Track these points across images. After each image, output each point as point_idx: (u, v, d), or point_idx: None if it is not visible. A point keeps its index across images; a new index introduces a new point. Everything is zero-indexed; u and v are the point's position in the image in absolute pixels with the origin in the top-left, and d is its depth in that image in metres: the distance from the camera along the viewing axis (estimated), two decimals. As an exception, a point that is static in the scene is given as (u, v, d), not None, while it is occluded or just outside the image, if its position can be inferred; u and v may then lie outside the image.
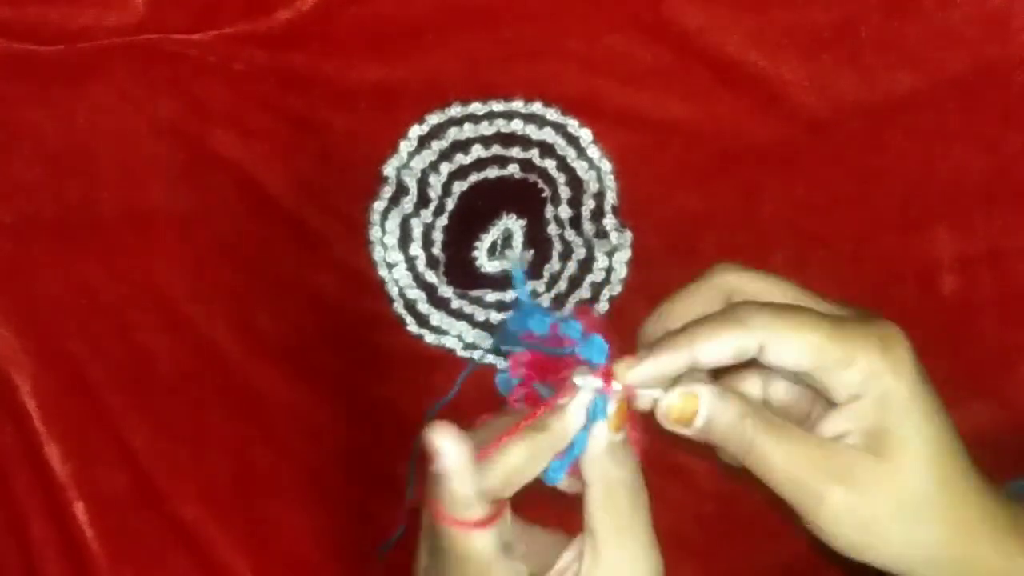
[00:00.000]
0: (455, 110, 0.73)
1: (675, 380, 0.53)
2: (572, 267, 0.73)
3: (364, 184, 0.73)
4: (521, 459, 0.52)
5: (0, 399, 0.72)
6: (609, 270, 0.73)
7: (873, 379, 0.51)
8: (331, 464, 0.73)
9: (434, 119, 0.73)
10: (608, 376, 0.52)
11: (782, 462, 0.51)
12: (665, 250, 0.73)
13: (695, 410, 0.52)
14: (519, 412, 0.53)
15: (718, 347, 0.51)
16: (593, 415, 0.52)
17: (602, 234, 0.73)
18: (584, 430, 0.52)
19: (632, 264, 0.73)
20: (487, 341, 0.72)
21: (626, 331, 0.55)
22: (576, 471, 0.53)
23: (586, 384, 0.52)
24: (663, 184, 0.73)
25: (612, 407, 0.52)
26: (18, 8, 0.72)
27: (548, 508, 0.54)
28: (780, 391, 0.56)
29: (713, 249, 0.72)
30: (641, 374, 0.52)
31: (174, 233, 0.73)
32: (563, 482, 0.54)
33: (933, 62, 0.72)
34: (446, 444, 0.50)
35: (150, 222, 0.73)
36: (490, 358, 0.72)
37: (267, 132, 0.73)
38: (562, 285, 0.72)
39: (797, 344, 0.51)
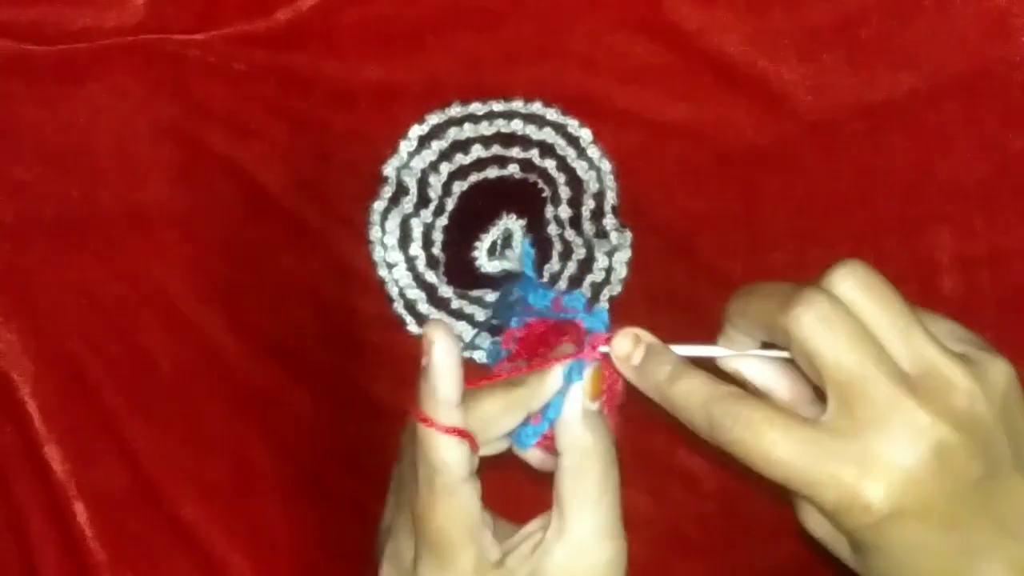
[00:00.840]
0: (455, 110, 0.73)
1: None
2: (572, 267, 0.73)
3: (364, 184, 0.73)
4: (497, 407, 0.53)
5: (0, 399, 0.72)
6: (609, 270, 0.73)
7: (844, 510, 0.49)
8: (331, 464, 0.73)
9: (434, 119, 0.73)
10: (594, 345, 0.53)
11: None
12: (665, 250, 0.73)
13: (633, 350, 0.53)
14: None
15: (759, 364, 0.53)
16: (568, 377, 0.53)
17: (602, 234, 0.73)
18: (560, 395, 0.53)
19: (632, 264, 0.73)
20: (487, 341, 0.72)
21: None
22: (550, 444, 0.53)
23: (564, 348, 0.53)
24: (663, 184, 0.73)
25: (588, 373, 0.53)
26: (18, 8, 0.72)
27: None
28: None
29: (713, 249, 0.72)
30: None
31: (174, 233, 0.73)
32: (535, 456, 0.55)
33: (933, 62, 0.72)
34: (439, 337, 0.51)
35: (150, 222, 0.73)
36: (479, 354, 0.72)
37: (267, 132, 0.73)
38: (562, 285, 0.72)
39: (769, 455, 0.50)
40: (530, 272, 0.57)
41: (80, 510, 0.72)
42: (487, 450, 0.54)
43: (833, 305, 0.49)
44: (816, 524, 0.52)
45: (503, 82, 0.73)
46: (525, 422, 0.54)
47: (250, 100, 0.73)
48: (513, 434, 0.54)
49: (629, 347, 0.53)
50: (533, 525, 0.54)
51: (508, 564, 0.53)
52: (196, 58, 0.73)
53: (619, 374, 0.54)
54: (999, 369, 0.51)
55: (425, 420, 0.51)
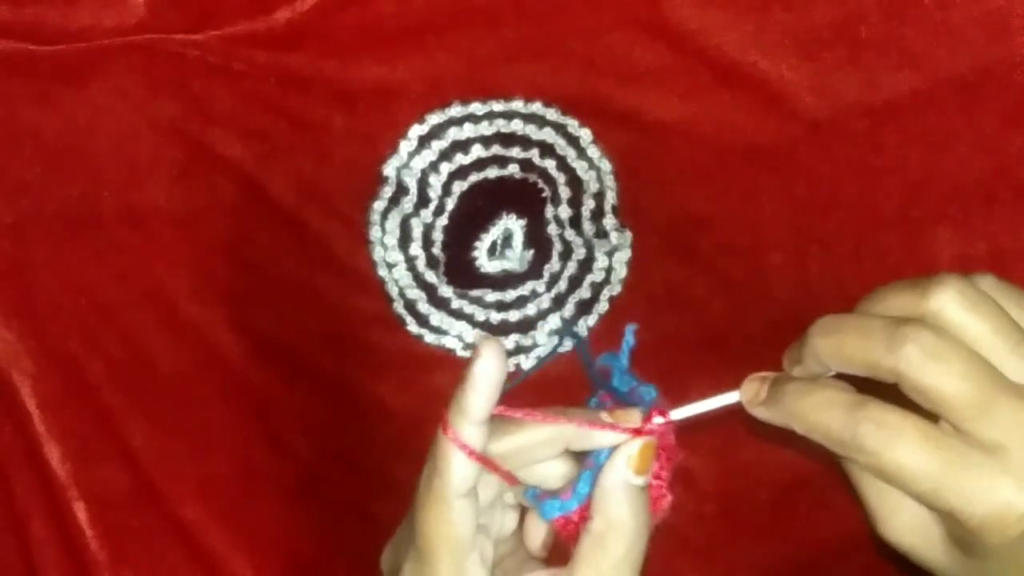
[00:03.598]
0: (455, 110, 0.73)
1: None
2: (572, 267, 0.73)
3: (364, 184, 0.73)
4: (538, 437, 0.52)
5: (0, 399, 0.72)
6: (609, 270, 0.73)
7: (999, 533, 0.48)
8: (331, 464, 0.73)
9: (434, 119, 0.73)
10: (648, 420, 0.52)
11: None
12: (665, 250, 0.73)
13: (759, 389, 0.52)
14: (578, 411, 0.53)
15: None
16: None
17: (602, 234, 0.73)
18: (591, 471, 0.51)
19: (632, 264, 0.73)
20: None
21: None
22: (572, 530, 0.52)
23: (629, 414, 0.52)
24: (663, 184, 0.73)
25: (636, 447, 0.51)
26: (18, 8, 0.72)
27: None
28: None
29: (713, 249, 0.72)
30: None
31: (174, 233, 0.73)
32: (538, 537, 0.54)
33: (933, 62, 0.72)
34: (486, 352, 0.50)
35: (150, 222, 0.73)
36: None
37: (267, 132, 0.73)
38: (562, 285, 0.72)
39: (913, 465, 0.48)
40: (625, 360, 0.55)
41: (80, 510, 0.72)
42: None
43: (939, 337, 0.48)
44: (906, 529, 0.51)
45: (503, 82, 0.73)
46: (553, 495, 0.52)
47: (250, 100, 0.73)
48: (537, 501, 0.53)
49: (756, 387, 0.52)
50: (538, 574, 0.53)
51: None
52: (196, 58, 0.73)
53: (669, 460, 0.53)
54: None
55: (446, 426, 0.51)
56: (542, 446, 0.52)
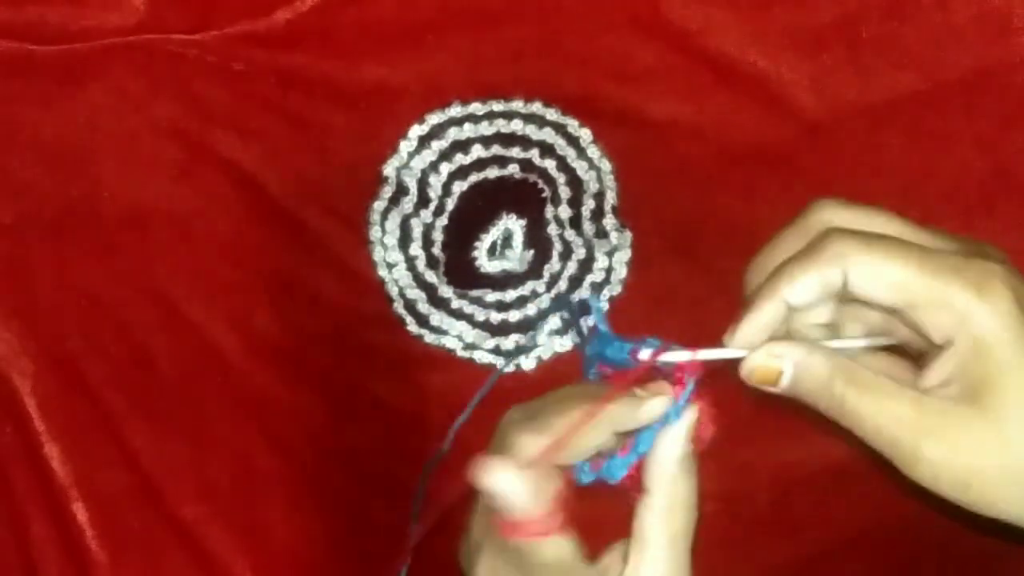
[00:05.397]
0: (455, 110, 0.73)
1: None
2: (572, 267, 0.73)
3: (364, 184, 0.73)
4: (585, 432, 0.51)
5: (0, 399, 0.72)
6: (609, 270, 0.73)
7: (967, 322, 0.48)
8: (331, 464, 0.73)
9: (434, 119, 0.73)
10: (682, 379, 0.52)
11: (874, 420, 0.49)
12: (665, 250, 0.73)
13: (780, 370, 0.51)
14: (593, 387, 0.53)
15: (804, 286, 0.50)
16: (666, 418, 0.51)
17: (602, 234, 0.73)
18: (652, 430, 0.52)
19: (632, 264, 0.73)
20: (487, 341, 0.72)
21: (626, 331, 0.55)
22: (635, 478, 0.52)
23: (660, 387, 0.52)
24: (663, 184, 0.73)
25: (691, 415, 0.52)
26: (18, 8, 0.72)
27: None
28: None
29: (713, 249, 0.72)
30: (743, 337, 0.51)
31: (174, 233, 0.73)
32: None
33: (933, 62, 0.72)
34: (499, 481, 0.50)
35: (150, 222, 0.73)
36: (488, 358, 0.72)
37: (267, 132, 0.73)
38: (562, 285, 0.72)
39: (882, 276, 0.49)
40: (604, 327, 0.54)
41: (80, 510, 0.72)
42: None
43: (855, 232, 0.50)
44: (935, 471, 0.50)
45: (503, 82, 0.73)
46: (611, 453, 0.52)
47: (250, 100, 0.73)
48: (595, 471, 0.52)
49: (776, 371, 0.52)
50: (610, 557, 0.53)
51: None
52: (196, 58, 0.73)
53: (711, 422, 0.53)
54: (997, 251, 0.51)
55: (512, 531, 0.50)
56: (592, 432, 0.51)
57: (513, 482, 0.50)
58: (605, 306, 0.54)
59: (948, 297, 0.48)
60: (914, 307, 0.49)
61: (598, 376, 0.54)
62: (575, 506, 0.52)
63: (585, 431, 0.51)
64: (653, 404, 0.51)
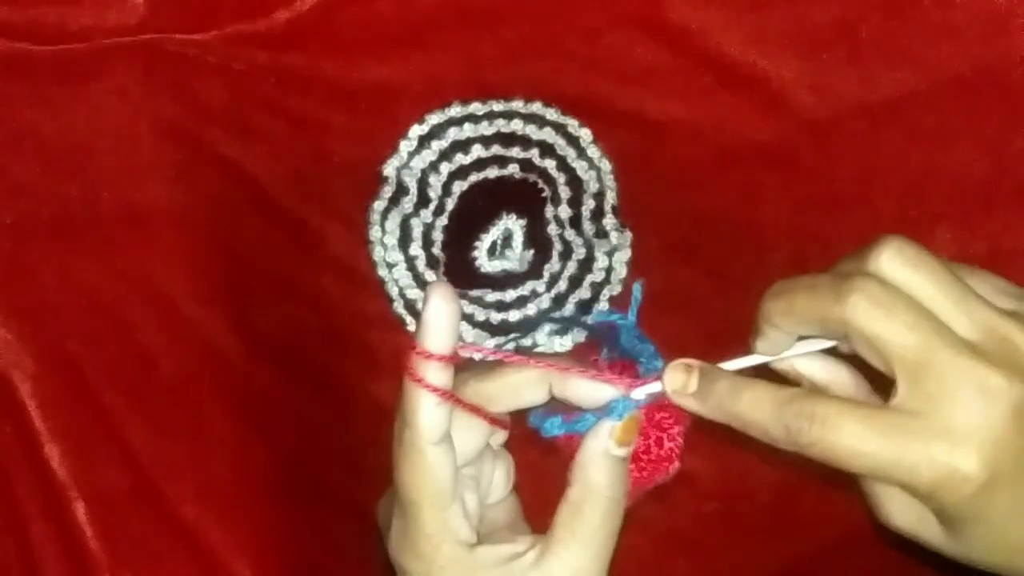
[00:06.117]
0: (455, 110, 0.73)
1: None
2: (572, 267, 0.73)
3: (364, 184, 0.73)
4: (525, 378, 0.52)
5: (0, 399, 0.72)
6: (609, 270, 0.73)
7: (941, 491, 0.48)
8: (331, 464, 0.73)
9: (434, 119, 0.73)
10: (635, 386, 0.52)
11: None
12: (665, 250, 0.73)
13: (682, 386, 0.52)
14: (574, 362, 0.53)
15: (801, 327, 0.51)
16: (609, 412, 0.52)
17: (602, 234, 0.73)
18: (596, 416, 0.52)
19: (632, 264, 0.73)
20: (487, 341, 0.72)
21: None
22: (572, 445, 0.53)
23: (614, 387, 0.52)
24: (663, 184, 0.73)
25: (629, 418, 0.52)
26: (18, 8, 0.72)
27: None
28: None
29: (713, 249, 0.72)
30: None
31: (174, 233, 0.73)
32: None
33: (933, 62, 0.72)
34: (435, 294, 0.50)
35: (150, 222, 0.73)
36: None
37: (267, 132, 0.73)
38: (562, 285, 0.72)
39: (855, 448, 0.49)
40: (633, 319, 0.55)
41: (80, 510, 0.72)
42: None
43: (885, 288, 0.48)
44: (901, 514, 0.51)
45: (503, 82, 0.73)
46: (553, 412, 0.53)
47: (250, 100, 0.73)
48: (537, 416, 0.53)
49: (683, 377, 0.52)
50: (524, 540, 0.53)
51: (479, 553, 0.52)
52: (196, 58, 0.73)
53: (678, 436, 0.54)
54: None
55: (412, 374, 0.50)
56: (527, 387, 0.53)
57: (444, 301, 0.50)
58: (639, 298, 0.55)
59: (919, 471, 0.48)
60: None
61: (609, 358, 0.54)
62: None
63: (525, 375, 0.52)
64: (595, 388, 0.52)
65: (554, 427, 0.52)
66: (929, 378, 0.48)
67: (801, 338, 0.52)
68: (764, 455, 0.52)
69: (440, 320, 0.50)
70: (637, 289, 0.55)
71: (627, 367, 0.53)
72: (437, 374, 0.50)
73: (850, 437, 0.48)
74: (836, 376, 0.53)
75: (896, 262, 0.49)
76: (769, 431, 0.50)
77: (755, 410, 0.50)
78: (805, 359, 0.53)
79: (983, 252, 0.72)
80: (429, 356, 0.50)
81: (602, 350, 0.55)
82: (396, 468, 0.52)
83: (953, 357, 0.48)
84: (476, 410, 0.52)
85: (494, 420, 0.53)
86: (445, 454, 0.51)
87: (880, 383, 0.50)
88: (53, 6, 0.72)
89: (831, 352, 0.53)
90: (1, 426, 0.72)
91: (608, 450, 0.52)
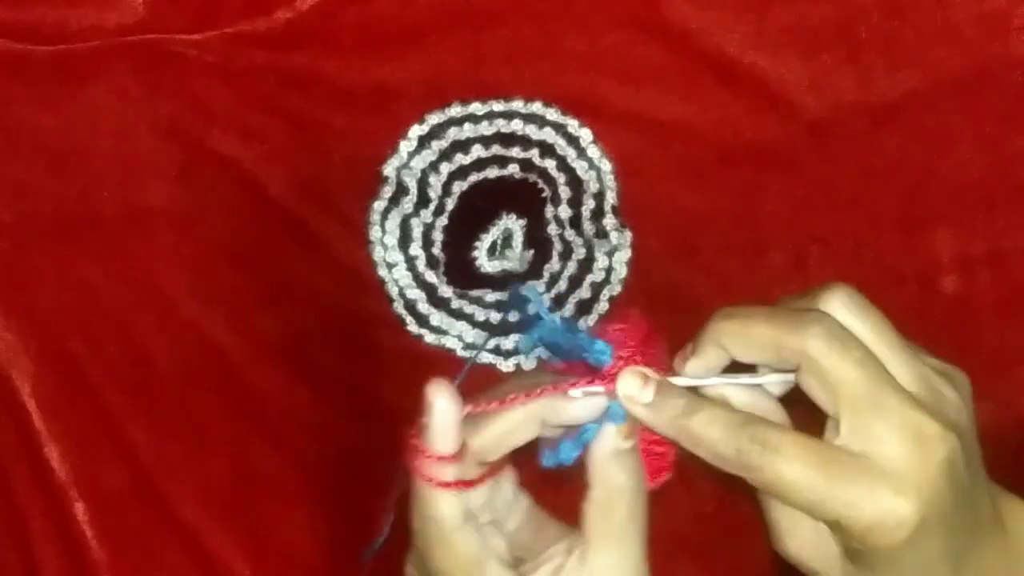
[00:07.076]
0: (455, 110, 0.73)
1: None
2: (572, 267, 0.73)
3: (364, 184, 0.73)
4: (512, 423, 0.53)
5: (0, 399, 0.72)
6: (609, 270, 0.73)
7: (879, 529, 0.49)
8: (331, 464, 0.73)
9: (434, 119, 0.73)
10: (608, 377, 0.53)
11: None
12: (665, 250, 0.73)
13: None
14: (548, 376, 0.54)
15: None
16: (608, 416, 0.52)
17: (602, 234, 0.73)
18: (597, 423, 0.52)
19: (632, 264, 0.73)
20: (488, 341, 0.72)
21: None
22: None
23: (601, 388, 0.53)
24: (663, 184, 0.73)
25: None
26: (17, 8, 0.72)
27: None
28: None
29: (713, 249, 0.72)
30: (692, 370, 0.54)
31: (174, 233, 0.73)
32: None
33: (933, 62, 0.72)
34: (439, 397, 0.52)
35: (150, 222, 0.73)
36: (488, 357, 0.72)
37: (267, 132, 0.73)
38: (562, 285, 0.72)
39: (799, 479, 0.50)
40: (545, 315, 0.54)
41: (80, 510, 0.72)
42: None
43: (841, 327, 0.50)
44: (803, 546, 0.52)
45: (503, 82, 0.73)
46: (563, 437, 0.53)
47: (250, 100, 0.73)
48: (550, 456, 0.53)
49: (638, 386, 0.53)
50: (556, 548, 0.54)
51: None
52: (196, 58, 0.73)
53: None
54: (964, 380, 0.53)
55: (423, 475, 0.52)
56: (520, 430, 0.53)
57: (448, 403, 0.52)
58: (544, 296, 0.56)
59: (859, 504, 0.49)
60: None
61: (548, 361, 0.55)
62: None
63: (512, 419, 0.53)
64: (581, 406, 0.53)
65: (570, 452, 0.52)
66: (874, 419, 0.49)
67: (724, 371, 0.53)
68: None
69: (446, 423, 0.52)
70: (531, 292, 0.55)
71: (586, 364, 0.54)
72: (449, 471, 0.52)
73: (798, 468, 0.49)
74: (767, 410, 0.53)
75: (847, 307, 0.51)
76: (719, 451, 0.51)
77: (708, 429, 0.51)
78: (734, 389, 0.54)
79: (983, 252, 0.72)
80: (441, 458, 0.52)
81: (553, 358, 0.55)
82: (427, 554, 0.53)
83: (898, 402, 0.49)
84: (484, 478, 0.54)
85: (496, 471, 0.54)
86: (470, 532, 0.53)
87: (805, 425, 0.51)
88: (53, 6, 0.72)
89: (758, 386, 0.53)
90: (1, 426, 0.72)
91: (618, 447, 0.52)
